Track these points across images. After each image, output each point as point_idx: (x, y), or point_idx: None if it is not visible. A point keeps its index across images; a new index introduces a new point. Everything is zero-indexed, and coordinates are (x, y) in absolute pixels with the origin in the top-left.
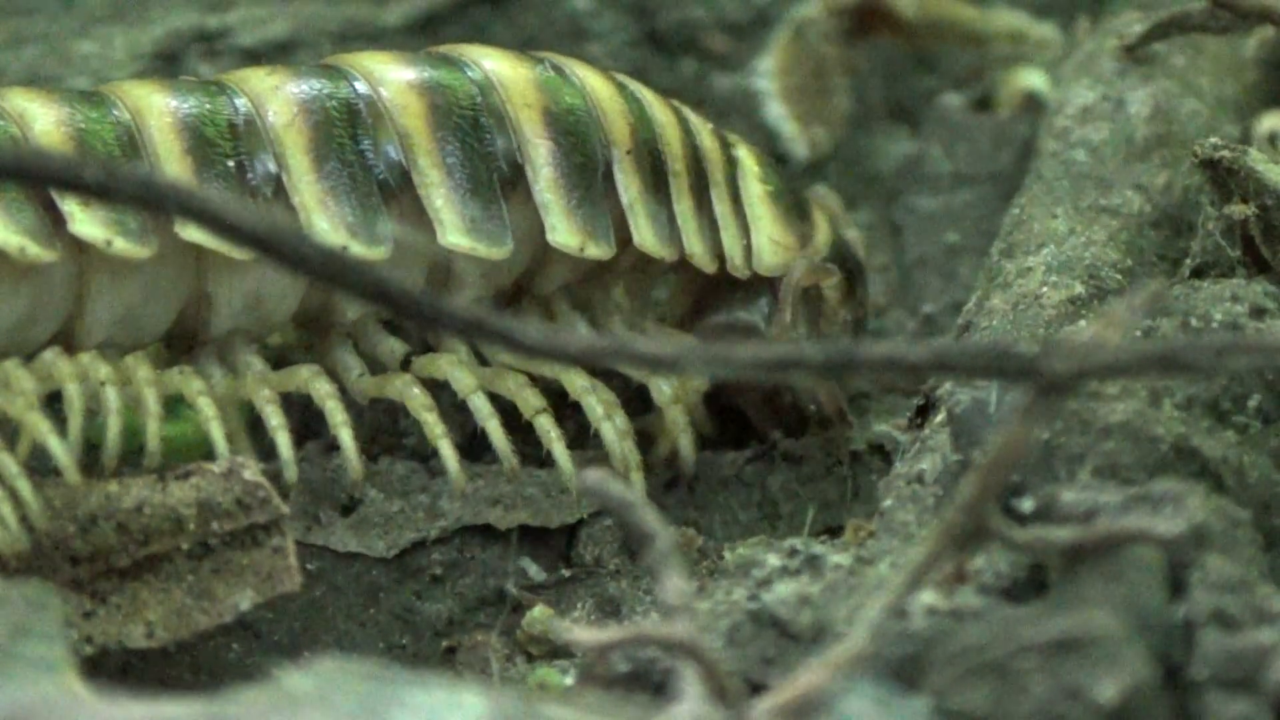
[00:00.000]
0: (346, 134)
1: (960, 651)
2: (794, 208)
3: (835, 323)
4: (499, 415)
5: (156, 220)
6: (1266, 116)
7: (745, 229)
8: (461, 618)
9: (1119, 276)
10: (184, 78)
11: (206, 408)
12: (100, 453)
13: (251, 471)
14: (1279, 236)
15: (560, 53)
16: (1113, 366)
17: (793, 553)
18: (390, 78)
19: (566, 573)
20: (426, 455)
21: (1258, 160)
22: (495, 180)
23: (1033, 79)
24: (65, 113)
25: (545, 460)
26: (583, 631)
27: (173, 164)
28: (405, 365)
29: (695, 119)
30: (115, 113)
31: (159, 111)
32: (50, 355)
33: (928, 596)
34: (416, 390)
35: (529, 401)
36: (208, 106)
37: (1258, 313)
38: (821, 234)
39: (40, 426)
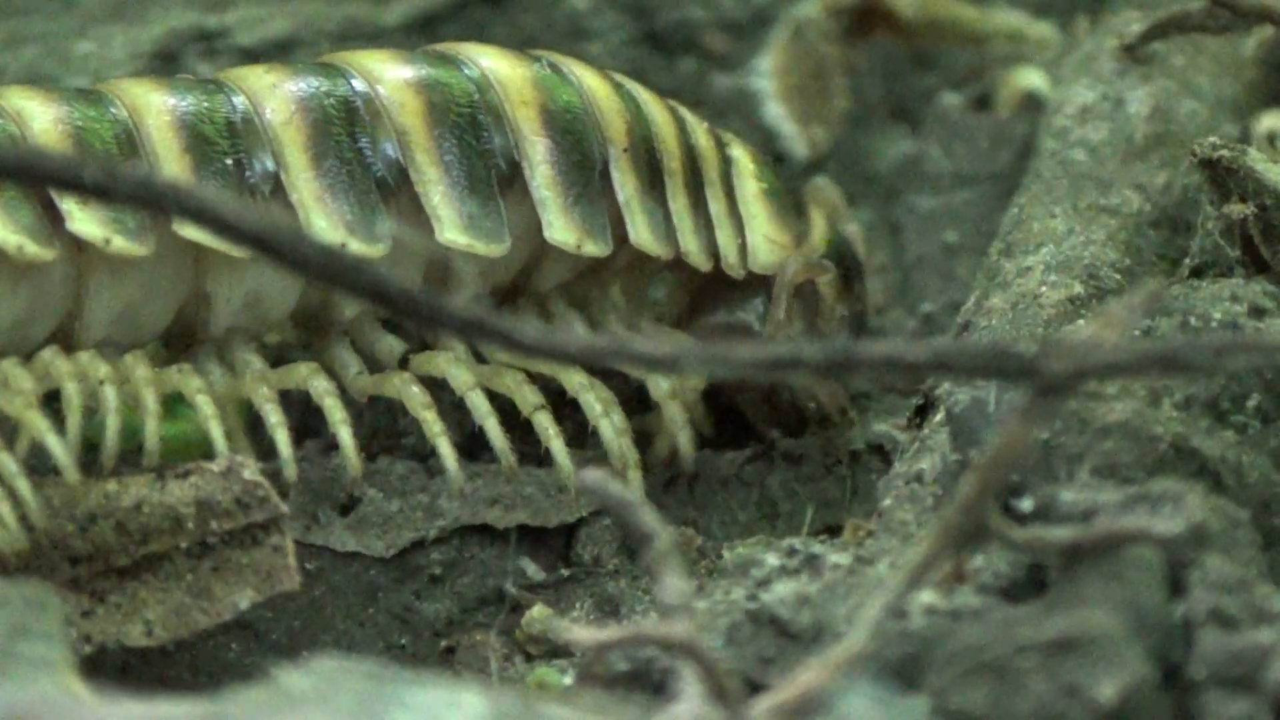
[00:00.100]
0: (344, 132)
1: (959, 651)
2: (789, 206)
3: (832, 320)
4: (497, 413)
5: (155, 218)
6: (1266, 116)
7: (740, 227)
8: (460, 617)
9: (1118, 276)
10: (182, 76)
11: (205, 406)
12: (99, 452)
13: (250, 470)
14: (1278, 236)
15: (560, 52)
16: (1112, 366)
17: (792, 552)
18: (388, 76)
19: (565, 572)
20: (425, 455)
21: (1257, 160)
22: (493, 177)
23: (1032, 78)
24: (63, 111)
25: (544, 460)
26: (582, 631)
27: (171, 162)
28: (403, 363)
29: (691, 118)
30: (113, 111)
31: (157, 110)
32: (49, 354)
33: (927, 596)
34: (415, 388)
35: (527, 398)
36: (206, 104)
37: (1257, 312)
38: (817, 231)
39: (39, 425)
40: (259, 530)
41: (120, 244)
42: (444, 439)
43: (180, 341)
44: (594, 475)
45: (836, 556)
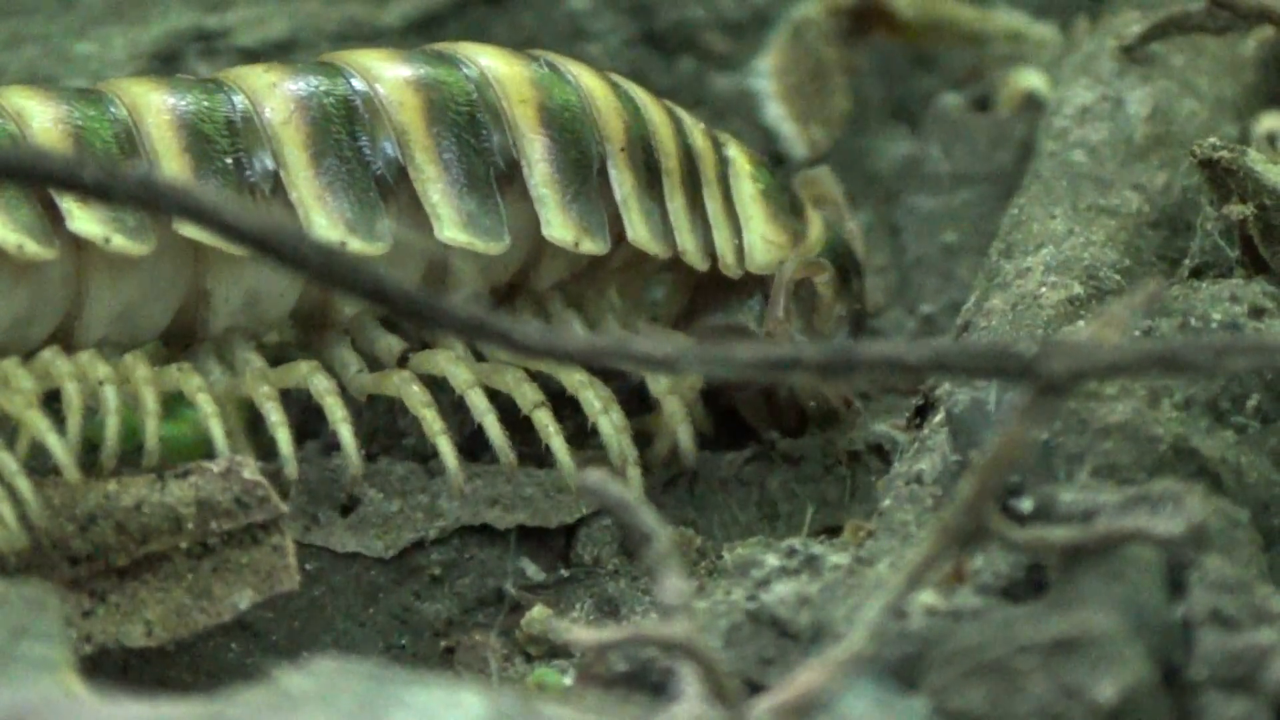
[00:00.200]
0: (344, 130)
1: (959, 651)
2: (786, 206)
3: (830, 319)
4: (496, 411)
5: (154, 217)
6: (1265, 117)
7: (737, 227)
8: (460, 618)
9: (1118, 277)
10: (181, 75)
11: (205, 405)
12: (99, 452)
13: (250, 470)
14: (1278, 236)
15: (559, 52)
16: (1111, 366)
17: (791, 553)
18: (387, 74)
19: (565, 573)
20: (425, 455)
21: (1256, 160)
22: (491, 176)
23: (1032, 79)
24: (63, 110)
25: (544, 460)
26: (581, 631)
27: (170, 161)
28: (403, 362)
29: (688, 118)
30: (113, 110)
31: (157, 109)
32: (49, 353)
33: (927, 596)
34: (414, 387)
35: (527, 396)
36: (205, 104)
37: (1257, 313)
38: (815, 230)
39: (39, 425)
40: (259, 530)
41: (120, 243)
42: (444, 437)
43: (180, 341)
44: (594, 475)
45: (836, 557)
